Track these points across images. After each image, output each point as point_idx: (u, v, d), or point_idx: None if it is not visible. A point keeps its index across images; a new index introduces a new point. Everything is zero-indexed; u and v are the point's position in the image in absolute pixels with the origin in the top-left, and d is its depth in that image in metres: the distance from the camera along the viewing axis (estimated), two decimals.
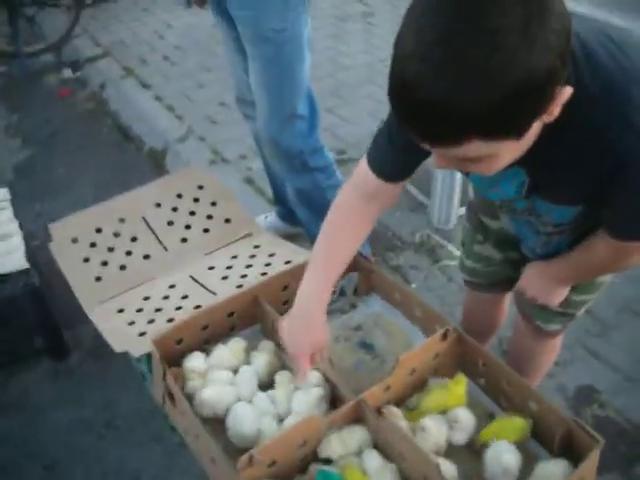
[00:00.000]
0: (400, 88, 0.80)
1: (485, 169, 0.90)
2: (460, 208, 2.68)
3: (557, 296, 1.44)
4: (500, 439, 1.23)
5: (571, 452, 1.23)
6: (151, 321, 1.56)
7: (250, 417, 1.26)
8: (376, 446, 1.22)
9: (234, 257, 1.82)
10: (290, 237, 2.51)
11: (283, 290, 1.53)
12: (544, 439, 1.26)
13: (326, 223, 1.28)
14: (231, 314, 1.45)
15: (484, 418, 1.32)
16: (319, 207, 2.17)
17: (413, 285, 2.43)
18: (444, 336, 1.33)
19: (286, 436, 1.14)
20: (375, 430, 1.21)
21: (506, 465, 1.18)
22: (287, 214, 2.53)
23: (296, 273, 1.51)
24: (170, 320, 1.54)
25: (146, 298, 1.68)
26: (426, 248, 2.60)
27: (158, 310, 1.61)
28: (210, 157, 3.32)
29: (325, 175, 2.14)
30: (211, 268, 1.78)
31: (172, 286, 1.72)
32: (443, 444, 1.25)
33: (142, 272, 1.79)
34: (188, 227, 1.92)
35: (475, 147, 0.81)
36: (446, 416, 1.28)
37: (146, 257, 1.83)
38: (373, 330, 1.56)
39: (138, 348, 1.42)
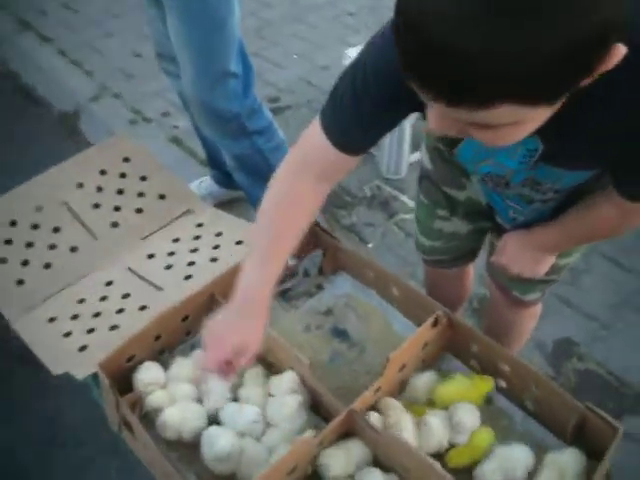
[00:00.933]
0: (420, 24, 0.60)
1: (500, 139, 0.72)
2: (411, 155, 2.52)
3: (544, 266, 1.29)
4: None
5: (582, 437, 1.12)
6: (91, 330, 1.35)
7: (228, 440, 1.09)
8: (374, 459, 1.08)
9: (176, 240, 1.60)
10: (231, 203, 2.32)
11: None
12: (552, 425, 1.15)
13: (268, 204, 1.05)
14: (185, 318, 1.25)
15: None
16: (261, 172, 1.97)
17: (370, 245, 2.27)
18: (434, 323, 1.18)
19: (277, 467, 0.98)
20: (372, 442, 1.06)
21: None
22: (224, 178, 2.31)
23: None
24: (113, 327, 1.34)
25: (81, 301, 1.45)
26: (379, 201, 2.44)
27: (97, 315, 1.39)
28: (129, 116, 3.01)
29: (266, 137, 1.92)
30: (151, 256, 1.56)
31: (109, 283, 1.49)
32: (445, 444, 1.13)
33: (71, 268, 1.54)
34: (117, 209, 1.67)
35: (502, 112, 0.63)
36: (449, 415, 1.14)
37: (73, 250, 1.58)
38: (345, 313, 1.40)
39: (81, 367, 1.21)
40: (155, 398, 1.17)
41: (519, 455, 1.10)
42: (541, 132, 0.79)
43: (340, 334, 1.37)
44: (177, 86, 2.03)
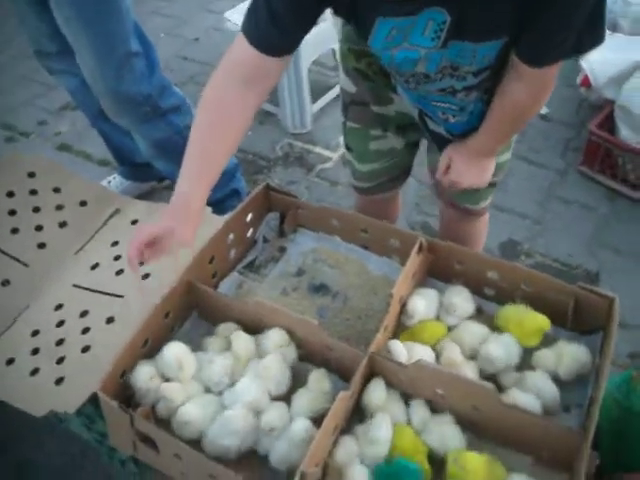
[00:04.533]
0: None
1: None
2: (313, 106, 2.48)
3: (489, 171, 1.35)
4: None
5: (581, 319, 1.16)
6: (60, 360, 1.23)
7: (246, 423, 1.03)
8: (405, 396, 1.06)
9: (115, 244, 1.49)
10: (147, 196, 2.21)
11: (210, 263, 1.26)
12: (552, 317, 1.17)
13: (199, 115, 1.10)
14: (167, 315, 1.17)
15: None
16: (183, 152, 1.88)
17: None
18: (419, 250, 1.17)
19: (324, 430, 0.93)
20: (396, 381, 1.04)
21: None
22: (134, 172, 2.19)
23: (217, 240, 1.26)
24: (85, 349, 1.23)
25: (35, 333, 1.32)
26: (294, 158, 2.39)
27: (60, 342, 1.28)
28: (3, 134, 2.77)
29: (181, 114, 1.82)
30: (95, 266, 1.45)
31: (59, 306, 1.37)
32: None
33: (9, 304, 1.40)
34: (39, 228, 1.54)
35: None
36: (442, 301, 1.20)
37: (5, 284, 1.44)
38: (318, 268, 1.37)
39: (67, 401, 1.11)
40: (169, 390, 1.08)
41: (512, 341, 1.12)
42: (447, 4, 0.88)
43: (319, 289, 1.33)
44: (66, 83, 1.89)
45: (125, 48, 1.65)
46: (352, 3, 0.97)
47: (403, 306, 1.18)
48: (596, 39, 0.98)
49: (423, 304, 1.17)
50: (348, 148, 1.49)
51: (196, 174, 1.10)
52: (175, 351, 1.11)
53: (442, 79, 1.10)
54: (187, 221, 1.09)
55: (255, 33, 1.03)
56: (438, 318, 1.19)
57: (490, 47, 1.01)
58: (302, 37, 1.06)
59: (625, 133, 2.22)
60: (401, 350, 1.05)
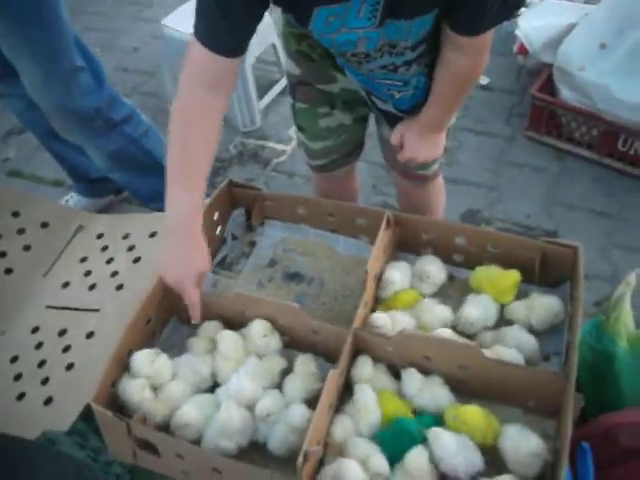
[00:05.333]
0: None
1: None
2: (260, 102, 2.49)
3: (441, 145, 1.40)
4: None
5: (549, 272, 1.21)
6: (45, 380, 1.23)
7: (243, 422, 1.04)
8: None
9: (84, 260, 1.48)
10: (105, 210, 2.19)
11: None
12: (521, 274, 1.21)
13: (173, 129, 1.12)
14: (148, 321, 1.17)
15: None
16: (140, 161, 1.89)
17: None
18: (387, 225, 1.20)
19: (321, 407, 0.96)
20: (386, 352, 1.07)
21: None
22: (90, 188, 2.17)
23: None
24: (69, 367, 1.23)
25: (14, 359, 1.31)
26: (248, 155, 2.40)
27: (42, 364, 1.27)
28: None
29: (133, 124, 1.82)
30: (66, 285, 1.44)
31: (35, 329, 1.36)
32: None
33: None
34: (3, 254, 1.52)
35: None
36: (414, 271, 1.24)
37: None
38: (289, 257, 1.39)
39: (59, 420, 1.11)
40: (168, 389, 1.10)
41: (488, 301, 1.18)
42: None
43: (294, 277, 1.35)
44: (13, 106, 1.86)
45: (70, 64, 1.63)
46: None
47: (378, 281, 1.21)
48: (520, 1, 1.05)
49: (398, 275, 1.20)
50: (299, 128, 1.52)
51: (187, 187, 1.12)
52: (142, 359, 1.12)
53: (382, 57, 1.15)
54: (198, 242, 1.14)
55: (207, 36, 1.05)
56: (412, 288, 1.23)
57: (423, 21, 1.06)
58: (251, 34, 1.08)
59: (566, 93, 2.29)
60: (385, 320, 1.08)
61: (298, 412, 1.01)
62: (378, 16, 1.03)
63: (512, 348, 1.07)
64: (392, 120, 1.38)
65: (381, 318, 1.09)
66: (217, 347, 1.14)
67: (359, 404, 1.01)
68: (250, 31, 1.08)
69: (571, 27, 2.36)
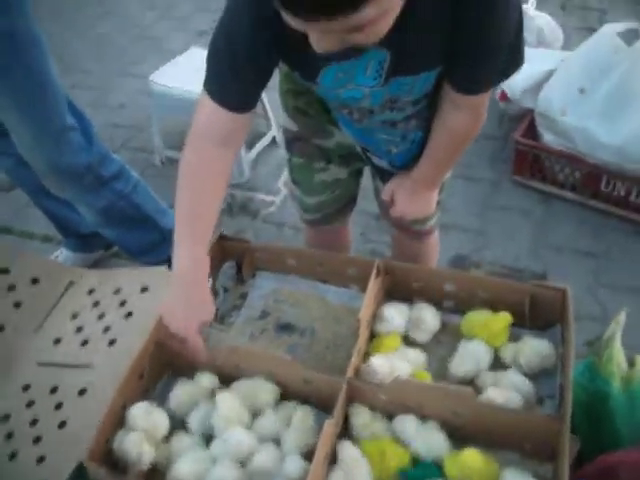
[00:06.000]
0: None
1: (372, 35, 0.85)
2: (248, 154, 2.53)
3: (433, 202, 1.42)
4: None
5: (539, 315, 1.22)
6: (37, 439, 1.21)
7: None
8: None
9: (75, 316, 1.48)
10: (95, 265, 2.19)
11: None
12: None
13: (184, 183, 1.13)
14: (141, 376, 1.17)
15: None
16: (130, 216, 1.90)
17: None
18: (378, 273, 1.21)
19: (317, 462, 0.95)
20: (381, 399, 1.07)
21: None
22: (80, 243, 2.17)
23: None
24: (61, 425, 1.22)
25: (5, 418, 1.29)
26: (237, 207, 2.43)
27: (34, 423, 1.25)
28: None
29: (123, 180, 1.84)
30: (57, 342, 1.43)
31: (26, 387, 1.35)
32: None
33: None
34: None
35: (371, 9, 0.77)
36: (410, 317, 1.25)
37: None
38: (280, 308, 1.39)
39: (55, 478, 1.09)
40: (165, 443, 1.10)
41: (480, 347, 1.18)
42: (385, 43, 0.93)
43: (286, 328, 1.35)
44: (2, 164, 1.88)
45: (60, 123, 1.66)
46: (302, 54, 1.01)
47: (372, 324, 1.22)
48: (518, 63, 1.07)
49: (395, 313, 1.22)
50: (295, 182, 1.53)
51: (194, 240, 1.13)
52: (139, 413, 1.11)
53: (384, 112, 1.17)
54: (204, 295, 1.15)
55: (219, 92, 1.07)
56: (407, 335, 1.23)
57: (426, 77, 1.09)
58: (262, 90, 1.11)
59: (548, 137, 2.34)
60: (382, 364, 1.09)
61: (295, 465, 1.00)
62: (384, 74, 1.05)
63: (509, 390, 1.07)
64: (386, 176, 1.40)
65: (379, 361, 1.10)
66: (216, 407, 1.12)
67: (344, 464, 1.01)
68: (261, 87, 1.11)
69: (550, 73, 2.43)
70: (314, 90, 1.19)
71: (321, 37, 0.83)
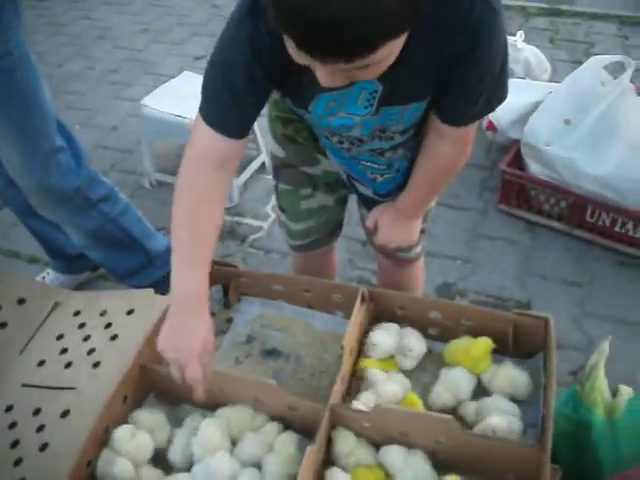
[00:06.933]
0: (302, 9, 0.72)
1: (376, 71, 0.87)
2: (237, 179, 2.54)
3: (416, 231, 1.44)
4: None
5: (521, 344, 1.23)
6: (18, 461, 1.20)
7: None
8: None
9: (60, 337, 1.47)
10: (82, 286, 2.19)
11: None
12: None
13: (180, 208, 1.12)
14: (125, 399, 1.17)
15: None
16: (117, 239, 1.90)
17: None
18: (362, 300, 1.22)
19: None
20: (364, 427, 1.07)
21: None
22: (67, 265, 2.17)
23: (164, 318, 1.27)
24: (43, 447, 1.20)
25: None
26: (226, 232, 2.43)
27: (15, 444, 1.24)
28: None
29: (111, 203, 1.84)
30: (41, 363, 1.42)
31: (9, 408, 1.33)
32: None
33: None
34: None
35: (384, 49, 0.78)
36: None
37: None
38: (266, 333, 1.40)
39: None
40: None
41: (462, 374, 1.19)
42: (378, 76, 0.93)
43: (271, 353, 1.36)
44: None
45: (50, 144, 1.66)
46: (297, 83, 1.04)
47: (359, 351, 1.22)
48: (503, 95, 1.10)
49: (385, 336, 1.23)
50: (282, 209, 1.54)
51: (192, 264, 1.11)
52: (123, 435, 1.11)
53: (372, 141, 1.19)
54: (200, 317, 1.11)
55: (217, 120, 1.08)
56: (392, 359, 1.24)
57: (416, 107, 1.11)
58: (256, 116, 1.12)
59: (534, 167, 2.37)
60: (377, 373, 1.13)
61: None
62: (375, 104, 1.07)
63: (501, 416, 1.08)
64: (370, 204, 1.41)
65: (374, 371, 1.11)
66: (198, 434, 1.11)
67: None
68: (258, 113, 1.12)
69: (536, 104, 2.47)
70: (304, 118, 1.21)
71: (330, 74, 0.84)
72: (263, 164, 2.75)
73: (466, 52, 0.98)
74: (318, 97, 1.06)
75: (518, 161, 2.46)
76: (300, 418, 1.12)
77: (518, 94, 2.57)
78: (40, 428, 1.25)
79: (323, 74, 0.84)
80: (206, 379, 1.08)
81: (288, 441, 1.09)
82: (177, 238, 1.12)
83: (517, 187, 2.41)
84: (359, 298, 1.21)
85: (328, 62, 0.77)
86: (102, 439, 1.10)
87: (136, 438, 1.13)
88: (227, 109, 1.06)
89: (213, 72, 1.05)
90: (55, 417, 1.26)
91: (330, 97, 1.06)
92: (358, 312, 1.20)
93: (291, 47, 0.81)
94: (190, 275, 1.11)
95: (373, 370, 1.21)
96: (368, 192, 1.38)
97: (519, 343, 1.22)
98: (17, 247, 2.41)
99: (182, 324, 1.10)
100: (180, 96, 2.54)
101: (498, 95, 1.09)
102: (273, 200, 1.55)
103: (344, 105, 1.08)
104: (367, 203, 1.43)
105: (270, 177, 1.59)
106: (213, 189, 1.12)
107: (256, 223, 2.47)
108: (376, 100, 1.06)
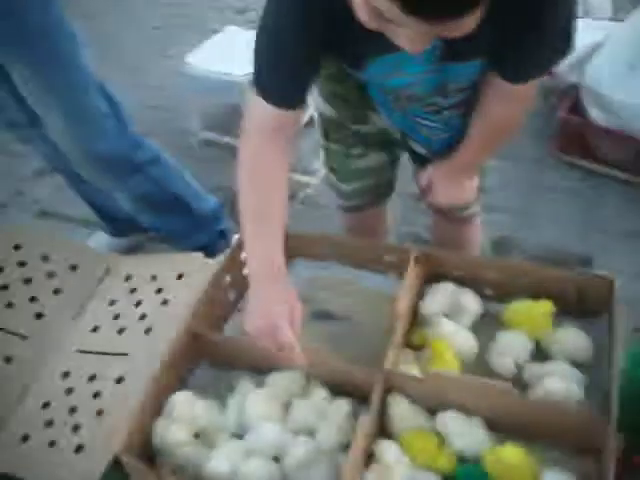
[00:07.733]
0: None
1: (470, 26, 0.81)
2: None
3: (472, 189, 1.40)
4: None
5: (584, 304, 1.17)
6: (76, 427, 1.22)
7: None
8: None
9: (112, 303, 1.49)
10: (133, 250, 2.21)
11: (210, 308, 1.26)
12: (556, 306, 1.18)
13: (245, 181, 1.12)
14: (176, 367, 1.17)
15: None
16: (166, 203, 1.91)
17: None
18: (416, 262, 1.18)
19: (354, 458, 0.94)
20: (419, 393, 1.05)
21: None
22: (118, 228, 2.20)
23: (214, 285, 1.26)
24: (99, 413, 1.22)
25: (45, 405, 1.31)
26: None
27: (73, 410, 1.27)
28: None
29: (159, 166, 1.84)
30: (95, 329, 1.44)
31: (66, 374, 1.36)
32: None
33: (15, 380, 1.39)
34: (34, 299, 1.53)
35: (482, 7, 0.75)
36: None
37: (9, 360, 1.43)
38: (317, 296, 1.36)
39: (89, 469, 1.11)
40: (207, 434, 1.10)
41: (520, 337, 1.15)
42: None
43: (322, 316, 1.33)
44: (38, 149, 1.91)
45: (94, 110, 1.66)
46: (350, 46, 1.01)
47: (413, 318, 1.18)
48: (569, 49, 1.04)
49: (437, 299, 1.21)
50: (331, 169, 1.52)
51: (268, 236, 1.11)
52: (181, 400, 1.12)
53: (432, 98, 1.16)
54: (286, 285, 1.11)
55: (274, 93, 1.06)
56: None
57: (475, 65, 1.07)
58: (310, 86, 1.10)
59: (595, 114, 2.26)
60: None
61: (330, 460, 0.99)
62: (435, 60, 1.03)
63: (568, 382, 1.04)
64: (424, 162, 1.37)
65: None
66: (247, 404, 1.10)
67: (383, 461, 0.99)
68: (313, 81, 1.10)
69: (596, 46, 2.33)
70: (356, 76, 1.17)
71: (417, 38, 0.81)
72: (311, 118, 2.68)
73: (531, 5, 0.93)
74: (378, 58, 1.03)
75: (578, 107, 2.34)
76: (353, 384, 1.10)
77: (577, 35, 2.43)
78: (96, 394, 1.27)
79: (409, 39, 0.81)
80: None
81: (341, 408, 1.07)
82: (247, 213, 1.11)
83: (576, 135, 2.30)
84: (412, 261, 1.17)
85: (435, 22, 0.74)
86: (156, 407, 1.10)
87: (191, 405, 1.13)
88: (283, 80, 1.05)
89: (265, 41, 1.03)
90: (110, 383, 1.28)
91: (389, 58, 1.02)
92: (411, 275, 1.16)
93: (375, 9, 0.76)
94: (264, 247, 1.11)
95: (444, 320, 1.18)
96: (422, 150, 1.34)
97: (581, 304, 1.16)
98: (69, 210, 2.44)
99: (265, 296, 1.08)
100: (225, 52, 2.51)
101: (564, 48, 1.03)
102: (322, 156, 1.52)
103: (402, 65, 1.05)
104: (421, 161, 1.38)
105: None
106: (278, 161, 1.12)
107: (305, 179, 2.43)
108: (436, 57, 1.03)
